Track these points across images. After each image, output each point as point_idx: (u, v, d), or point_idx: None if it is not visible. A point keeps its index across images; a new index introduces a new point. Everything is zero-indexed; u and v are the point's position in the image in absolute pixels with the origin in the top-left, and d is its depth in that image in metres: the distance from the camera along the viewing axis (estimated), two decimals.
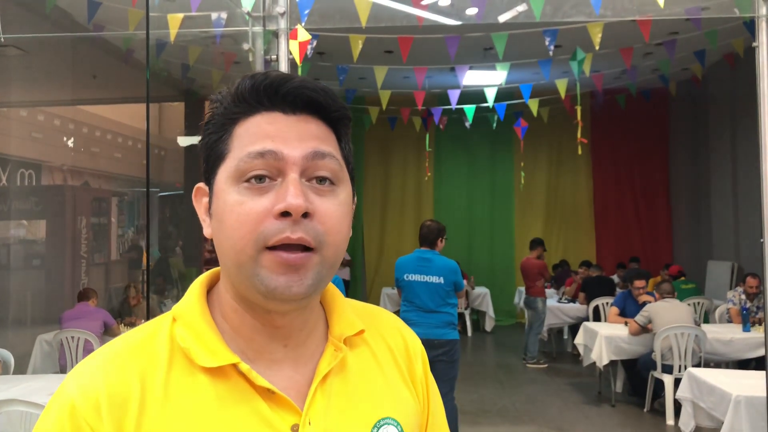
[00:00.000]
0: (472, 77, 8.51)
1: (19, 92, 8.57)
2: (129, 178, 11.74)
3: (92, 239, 8.93)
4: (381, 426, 0.78)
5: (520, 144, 10.26)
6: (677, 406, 5.19)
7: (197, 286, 0.79)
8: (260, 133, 0.72)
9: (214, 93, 0.78)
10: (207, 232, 0.77)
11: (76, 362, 4.90)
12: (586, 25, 5.26)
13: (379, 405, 0.79)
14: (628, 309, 6.36)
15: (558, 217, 11.41)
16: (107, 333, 5.41)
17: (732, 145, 9.15)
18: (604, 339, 5.88)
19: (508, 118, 8.74)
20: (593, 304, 7.60)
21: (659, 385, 5.64)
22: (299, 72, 3.27)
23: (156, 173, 10.22)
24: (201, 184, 0.79)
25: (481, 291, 10.03)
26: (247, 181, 0.71)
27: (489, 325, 10.13)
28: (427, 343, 3.95)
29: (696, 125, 10.48)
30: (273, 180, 0.71)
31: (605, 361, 5.87)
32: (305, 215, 0.69)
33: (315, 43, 4.22)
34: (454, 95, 7.44)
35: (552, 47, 5.54)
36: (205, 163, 0.77)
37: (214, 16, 4.98)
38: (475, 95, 8.22)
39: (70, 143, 9.73)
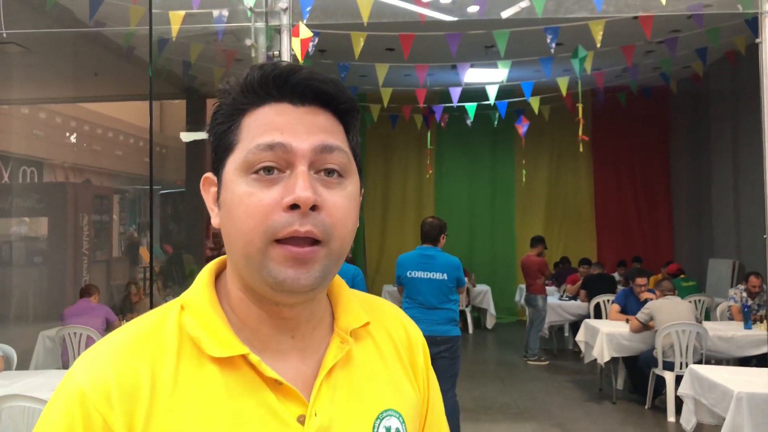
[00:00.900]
0: (473, 75, 8.50)
1: (21, 89, 8.57)
2: (130, 176, 11.75)
3: (94, 236, 8.94)
4: (383, 418, 0.79)
5: (522, 142, 10.28)
6: (678, 403, 5.19)
7: (205, 274, 0.80)
8: (269, 125, 0.72)
9: (222, 83, 0.78)
10: (215, 221, 0.78)
11: None
12: (588, 23, 5.26)
13: (381, 397, 0.80)
14: (630, 306, 6.37)
15: (559, 215, 11.42)
16: (109, 329, 5.42)
17: (733, 143, 9.14)
18: (606, 336, 5.88)
19: (510, 115, 8.74)
20: (594, 301, 7.61)
21: (660, 382, 5.65)
22: None
23: (157, 171, 10.22)
24: (209, 174, 0.80)
25: (482, 288, 10.04)
26: (256, 172, 0.71)
27: (490, 322, 10.13)
28: (430, 340, 3.95)
29: (697, 123, 10.47)
30: (282, 172, 0.71)
31: (606, 358, 5.87)
32: (313, 208, 0.70)
33: (316, 40, 4.22)
34: (455, 93, 7.44)
35: (553, 45, 5.54)
36: (213, 153, 0.78)
37: (215, 13, 4.99)
38: (476, 93, 8.22)
39: (71, 140, 9.74)
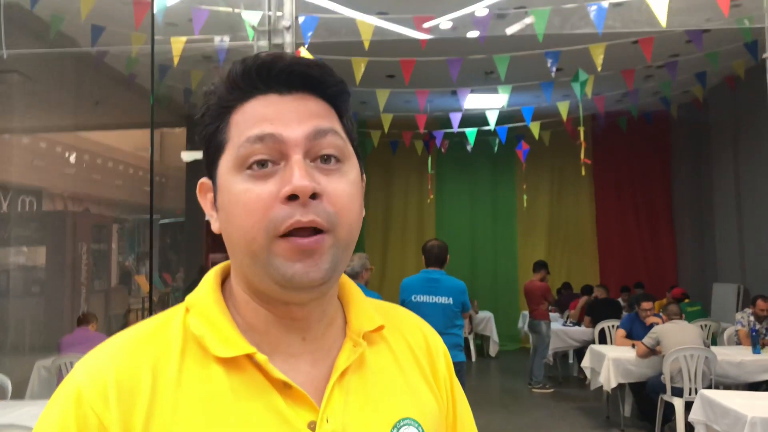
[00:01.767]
0: (473, 100, 8.54)
1: (21, 119, 8.59)
2: (130, 205, 11.73)
3: (92, 266, 8.87)
4: (401, 427, 0.74)
5: (522, 166, 10.29)
6: (688, 430, 5.08)
7: (211, 276, 0.77)
8: (257, 117, 0.69)
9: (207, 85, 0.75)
10: (215, 227, 0.75)
11: None
12: (588, 47, 5.28)
13: (398, 404, 0.76)
14: (635, 331, 6.28)
15: (561, 240, 11.37)
16: None
17: (735, 167, 9.14)
18: (612, 362, 5.78)
19: (510, 141, 8.75)
20: (599, 326, 7.52)
21: (669, 408, 5.53)
22: None
23: (157, 200, 10.19)
24: (204, 179, 0.77)
25: (485, 315, 9.94)
26: (250, 168, 0.68)
27: (493, 350, 10.02)
28: None
29: (698, 148, 10.49)
30: (276, 164, 0.68)
31: (613, 384, 5.77)
32: (314, 197, 0.67)
33: None
34: (455, 118, 7.46)
35: (554, 69, 5.56)
36: (205, 156, 0.75)
37: (216, 39, 5.00)
38: (476, 118, 8.25)
39: (71, 169, 9.73)
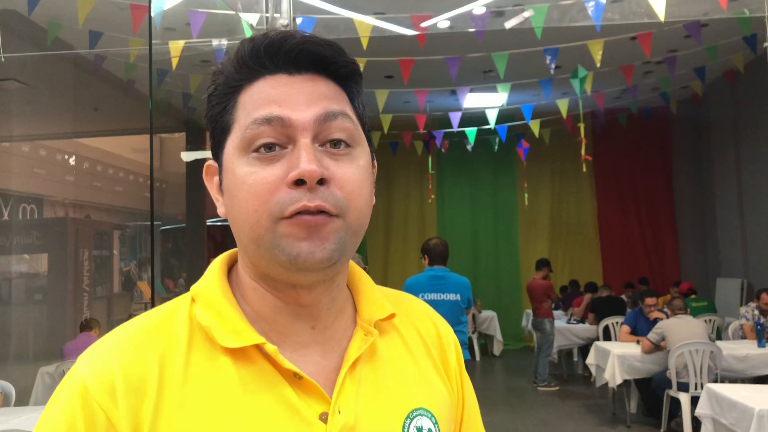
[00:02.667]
0: (473, 99, 8.53)
1: (21, 126, 8.59)
2: (130, 211, 11.73)
3: (94, 272, 8.87)
4: (414, 417, 0.72)
5: (523, 165, 10.28)
6: (695, 425, 5.06)
7: (216, 265, 0.74)
8: (265, 98, 0.67)
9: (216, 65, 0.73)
10: (221, 211, 0.73)
11: None
12: (587, 43, 5.27)
13: (411, 395, 0.74)
14: (640, 327, 6.26)
15: (563, 238, 11.35)
16: None
17: (736, 161, 9.13)
18: (617, 358, 5.76)
19: (510, 139, 8.74)
20: (603, 323, 7.50)
21: (675, 404, 5.51)
22: None
23: (157, 206, 10.21)
24: (210, 162, 0.75)
25: (488, 314, 9.92)
26: (256, 150, 0.66)
27: (497, 349, 9.99)
28: None
29: (698, 143, 10.48)
30: (283, 148, 0.66)
31: (618, 381, 5.75)
32: (321, 182, 0.64)
33: None
34: (455, 118, 7.45)
35: (553, 66, 5.55)
36: (211, 138, 0.73)
37: (214, 42, 4.99)
38: (476, 118, 8.24)
39: (71, 177, 9.73)
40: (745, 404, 3.78)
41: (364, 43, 4.40)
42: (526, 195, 10.76)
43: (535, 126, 7.84)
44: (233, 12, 3.74)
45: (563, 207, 11.39)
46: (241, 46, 0.70)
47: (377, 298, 0.77)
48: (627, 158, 11.11)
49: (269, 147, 0.66)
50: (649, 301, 6.31)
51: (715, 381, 5.29)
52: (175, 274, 11.48)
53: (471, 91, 7.17)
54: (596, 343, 6.53)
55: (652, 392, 5.85)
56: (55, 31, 5.52)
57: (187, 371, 0.65)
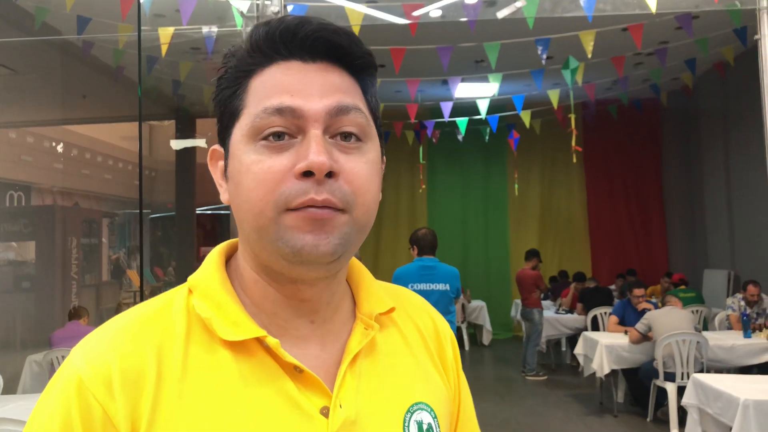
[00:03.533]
0: (464, 89, 8.52)
1: (8, 113, 8.50)
2: (119, 199, 11.66)
3: (83, 260, 8.81)
4: (414, 411, 0.72)
5: (514, 155, 10.29)
6: (681, 414, 5.12)
7: (215, 255, 0.73)
8: (277, 86, 0.65)
9: (229, 48, 0.71)
10: (224, 197, 0.71)
11: None
12: (579, 34, 5.27)
13: (411, 389, 0.73)
14: (628, 318, 6.31)
15: (552, 228, 11.41)
16: None
17: (725, 153, 9.18)
18: (605, 348, 5.81)
19: (501, 130, 8.75)
20: (592, 314, 7.55)
21: (662, 393, 5.57)
22: None
23: (146, 194, 10.13)
24: (216, 146, 0.73)
25: (478, 304, 9.96)
26: (265, 138, 0.64)
27: (486, 338, 10.04)
28: None
29: (688, 135, 10.53)
30: (293, 137, 0.64)
31: (606, 371, 5.80)
32: (330, 175, 0.63)
33: None
34: (446, 107, 7.43)
35: (545, 56, 5.55)
36: (219, 122, 0.71)
37: (205, 29, 4.95)
38: (467, 108, 8.23)
39: (59, 165, 9.65)
40: (730, 394, 3.83)
41: (356, 31, 4.37)
42: (516, 185, 10.78)
43: (526, 116, 7.84)
44: None
45: (553, 197, 11.43)
46: (256, 30, 0.68)
47: (377, 293, 0.76)
48: (617, 149, 11.15)
49: (278, 135, 0.64)
50: (637, 292, 6.36)
51: (702, 371, 5.35)
52: (165, 262, 11.43)
53: (462, 80, 7.15)
54: (584, 333, 6.58)
55: (639, 382, 5.91)
56: (43, 16, 5.45)
57: (186, 364, 0.64)
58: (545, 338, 8.04)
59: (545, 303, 8.76)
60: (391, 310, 0.76)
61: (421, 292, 4.23)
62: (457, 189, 11.44)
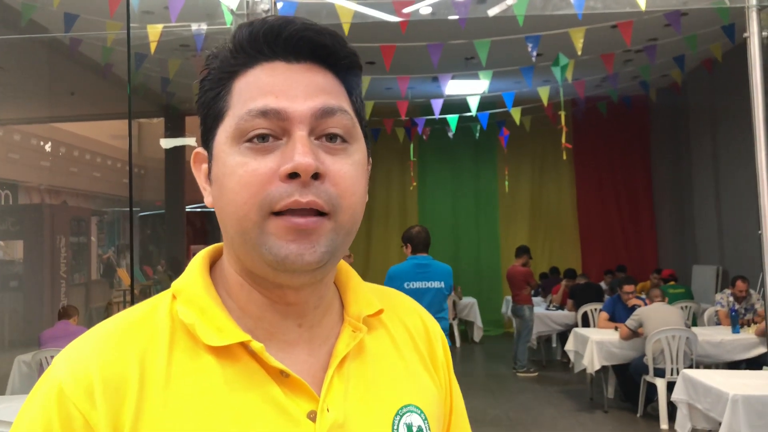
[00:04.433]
0: (454, 87, 8.51)
1: None
2: (108, 197, 11.58)
3: (72, 259, 8.75)
4: (404, 414, 0.71)
5: (504, 152, 10.30)
6: (671, 410, 5.15)
7: (198, 260, 0.72)
8: (262, 87, 0.64)
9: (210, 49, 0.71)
10: (208, 201, 0.70)
11: None
12: (569, 30, 5.27)
13: (400, 391, 0.72)
14: (618, 314, 6.34)
15: (543, 225, 11.45)
16: None
17: (713, 150, 9.24)
18: (596, 344, 5.84)
19: (491, 127, 8.76)
20: (582, 310, 7.58)
21: (652, 389, 5.61)
22: None
23: (135, 192, 10.05)
24: (199, 149, 0.72)
25: (469, 301, 9.98)
26: (249, 140, 0.63)
27: (477, 335, 10.06)
28: None
29: (677, 131, 10.58)
30: (278, 139, 0.63)
31: (597, 367, 5.82)
32: (315, 177, 0.62)
33: None
34: (437, 104, 7.43)
35: (534, 53, 5.55)
36: (202, 124, 0.70)
37: (194, 26, 4.91)
38: (458, 105, 8.23)
39: (47, 163, 9.57)
40: (719, 389, 3.86)
41: (346, 29, 4.35)
42: (506, 182, 10.80)
43: (516, 113, 7.84)
44: None
45: (543, 194, 11.47)
46: (239, 30, 0.67)
47: (365, 294, 0.75)
48: (606, 146, 11.20)
49: (263, 137, 0.63)
50: (628, 288, 6.39)
51: (691, 366, 5.39)
52: (154, 260, 11.37)
53: (453, 78, 7.15)
54: (575, 329, 6.61)
55: (630, 378, 5.94)
56: (29, 13, 5.39)
57: (169, 370, 0.63)
58: (536, 335, 8.07)
59: (536, 299, 8.79)
60: (380, 311, 0.75)
61: (416, 290, 4.24)
62: (447, 186, 11.45)
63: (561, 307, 8.43)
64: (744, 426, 3.61)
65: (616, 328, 6.07)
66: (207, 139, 0.69)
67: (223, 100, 0.66)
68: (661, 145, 11.04)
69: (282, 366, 0.64)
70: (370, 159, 0.73)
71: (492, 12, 2.83)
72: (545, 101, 7.10)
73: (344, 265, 0.77)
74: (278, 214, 0.62)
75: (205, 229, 11.30)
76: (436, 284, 4.29)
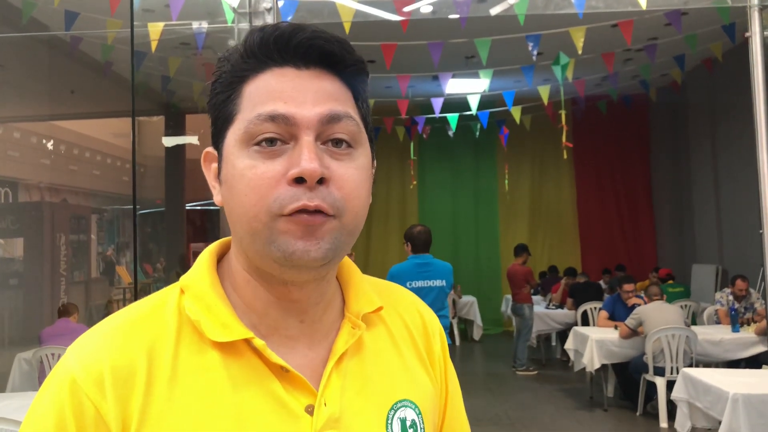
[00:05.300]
0: (455, 85, 8.52)
1: None
2: (108, 195, 11.58)
3: (72, 257, 8.75)
4: (398, 408, 0.74)
5: (504, 151, 10.30)
6: (670, 408, 5.16)
7: (206, 256, 0.74)
8: (271, 93, 0.67)
9: (223, 52, 0.73)
10: (217, 199, 0.73)
11: None
12: (569, 30, 5.28)
13: (395, 387, 0.75)
14: (618, 313, 6.35)
15: (542, 224, 11.45)
16: None
17: (712, 149, 9.24)
18: (596, 343, 5.85)
19: (491, 125, 8.75)
20: (582, 309, 7.59)
21: (651, 387, 5.61)
22: None
23: (136, 190, 10.05)
24: (210, 149, 0.74)
25: (469, 299, 9.98)
26: (258, 144, 0.66)
27: (477, 333, 10.07)
28: None
29: (676, 131, 10.59)
30: (285, 143, 0.66)
31: (597, 365, 5.83)
32: (321, 181, 0.65)
33: None
34: (437, 103, 7.43)
35: (535, 52, 5.55)
36: (213, 126, 0.73)
37: (195, 24, 4.92)
38: (458, 104, 8.23)
39: (47, 161, 9.56)
40: (719, 388, 3.86)
41: (347, 27, 4.36)
42: (506, 181, 10.81)
43: (516, 112, 7.84)
44: None
45: (543, 193, 11.47)
46: (250, 35, 0.69)
47: (366, 291, 0.78)
48: (606, 145, 11.20)
49: (271, 141, 0.66)
50: (627, 287, 6.40)
51: (691, 365, 5.40)
52: (154, 258, 11.37)
53: (453, 76, 7.15)
54: (575, 328, 6.61)
55: (629, 376, 5.95)
56: (30, 11, 5.39)
57: (176, 364, 0.65)
58: (536, 333, 8.08)
59: (535, 298, 8.80)
60: (379, 309, 0.77)
61: (418, 289, 4.25)
62: (447, 185, 11.45)
63: (561, 305, 8.43)
64: (744, 425, 3.62)
65: (615, 327, 6.07)
66: (217, 140, 0.72)
67: (234, 104, 0.69)
68: (660, 144, 11.04)
69: (282, 362, 0.67)
70: (375, 162, 0.75)
71: (494, 11, 2.84)
72: (545, 100, 7.10)
73: (347, 262, 0.80)
74: (287, 215, 0.64)
75: (205, 226, 11.29)
76: (438, 283, 4.31)
